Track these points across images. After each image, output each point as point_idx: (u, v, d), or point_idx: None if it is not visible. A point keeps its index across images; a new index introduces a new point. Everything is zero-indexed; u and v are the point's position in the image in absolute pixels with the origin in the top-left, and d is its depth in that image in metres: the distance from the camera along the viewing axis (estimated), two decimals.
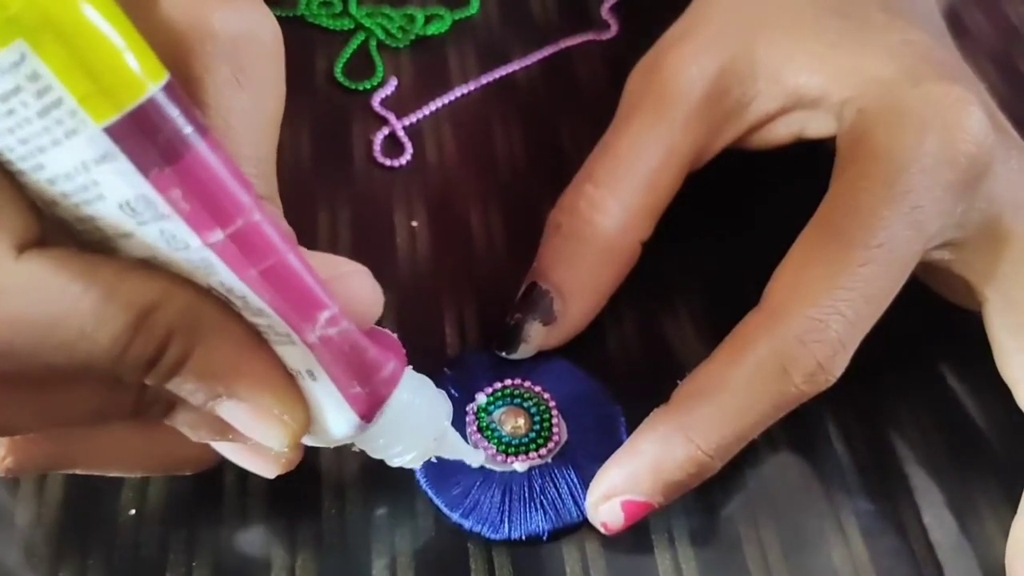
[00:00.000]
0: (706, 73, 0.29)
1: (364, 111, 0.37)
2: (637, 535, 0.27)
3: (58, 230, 0.18)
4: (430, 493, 0.27)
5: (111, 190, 0.16)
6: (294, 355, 0.20)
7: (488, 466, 0.27)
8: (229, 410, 0.20)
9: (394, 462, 0.23)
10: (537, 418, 0.28)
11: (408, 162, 0.35)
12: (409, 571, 0.26)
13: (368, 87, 0.37)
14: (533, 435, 0.28)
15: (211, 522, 0.27)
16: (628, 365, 0.31)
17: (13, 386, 0.18)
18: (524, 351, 0.29)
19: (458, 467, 0.26)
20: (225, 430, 0.21)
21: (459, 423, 0.28)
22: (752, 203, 0.35)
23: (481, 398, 0.28)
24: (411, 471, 0.26)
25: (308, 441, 0.22)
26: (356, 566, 0.26)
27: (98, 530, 0.26)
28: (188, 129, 0.16)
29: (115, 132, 0.15)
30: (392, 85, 0.37)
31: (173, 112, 0.16)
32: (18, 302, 0.17)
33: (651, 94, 0.30)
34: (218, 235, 0.17)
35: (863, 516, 0.28)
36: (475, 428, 0.28)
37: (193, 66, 0.19)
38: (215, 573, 0.26)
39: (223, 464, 0.27)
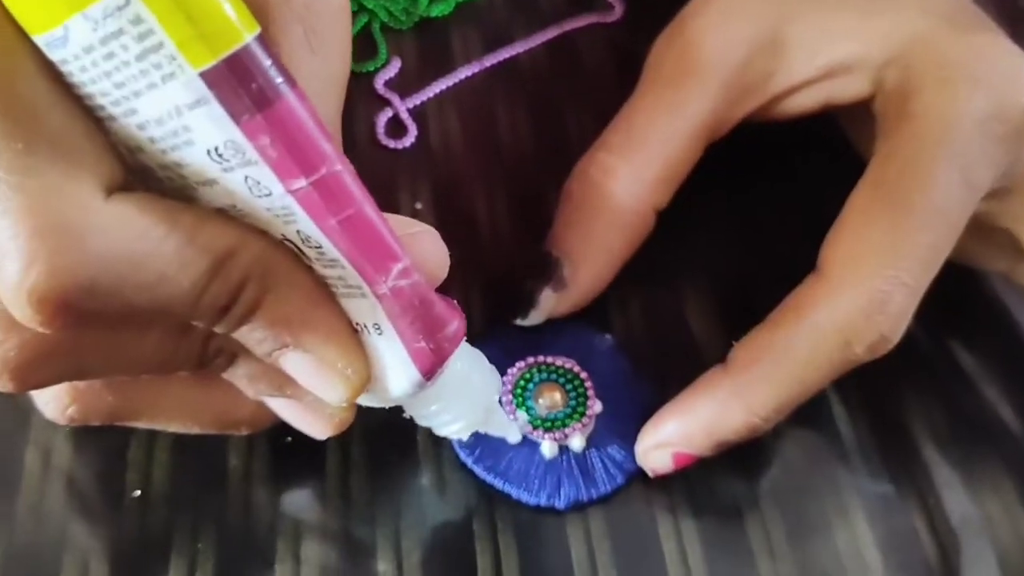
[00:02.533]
0: (730, 44, 0.29)
1: (367, 93, 0.36)
2: (642, 517, 0.27)
3: (136, 179, 0.18)
4: (467, 460, 0.27)
5: (201, 135, 0.17)
6: (362, 308, 0.20)
7: (530, 438, 0.28)
8: (293, 361, 0.20)
9: (441, 431, 0.24)
10: (572, 393, 0.28)
11: (412, 144, 0.35)
12: (414, 553, 0.26)
13: (371, 69, 0.37)
14: (568, 410, 0.28)
15: (216, 505, 0.27)
16: (635, 339, 0.31)
17: (91, 328, 0.19)
18: (534, 317, 0.29)
19: (493, 437, 0.27)
20: (283, 385, 0.21)
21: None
22: (764, 178, 0.34)
23: (516, 372, 0.29)
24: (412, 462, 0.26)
25: (364, 401, 0.22)
26: (359, 548, 0.26)
27: (103, 511, 0.26)
28: (279, 79, 0.16)
29: (210, 78, 0.16)
30: (395, 67, 0.37)
31: (266, 61, 0.16)
32: (105, 241, 0.17)
33: (672, 63, 0.30)
34: (302, 183, 0.17)
35: (868, 497, 0.28)
36: (510, 400, 0.28)
37: (269, 26, 0.19)
38: (220, 555, 0.26)
39: (227, 447, 0.27)
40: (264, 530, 0.26)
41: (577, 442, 0.28)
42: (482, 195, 0.34)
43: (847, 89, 0.29)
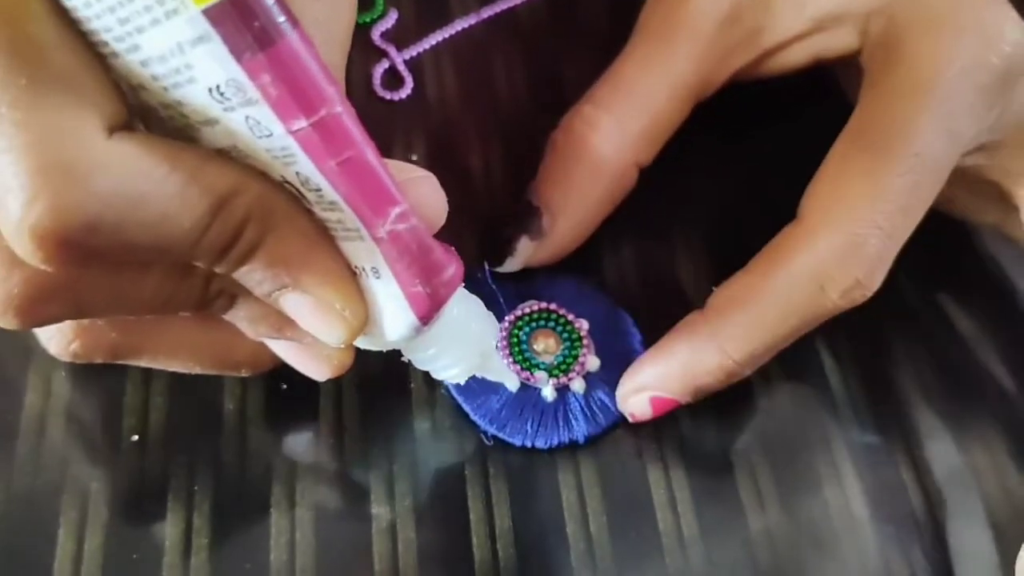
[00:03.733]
0: (717, 1, 0.29)
1: (364, 44, 0.36)
2: (632, 466, 0.28)
3: (139, 119, 0.18)
4: (465, 406, 0.28)
5: (203, 73, 0.17)
6: (360, 251, 0.20)
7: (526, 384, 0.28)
8: (292, 302, 0.20)
9: (439, 375, 0.24)
10: (567, 341, 0.29)
11: (408, 96, 0.35)
12: (407, 498, 0.27)
13: (368, 20, 0.37)
14: (561, 357, 0.28)
15: (211, 448, 0.27)
16: (626, 292, 0.31)
17: (93, 266, 0.19)
18: (510, 265, 0.29)
19: (488, 382, 0.27)
20: (283, 327, 0.22)
21: None
22: (754, 131, 0.34)
23: (512, 319, 0.29)
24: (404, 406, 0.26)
25: (362, 344, 0.22)
26: (354, 492, 0.27)
27: (101, 456, 0.27)
28: (281, 18, 0.16)
29: (213, 15, 0.16)
30: (392, 18, 0.37)
31: (268, 0, 0.16)
32: (108, 179, 0.17)
33: (660, 19, 0.30)
34: (302, 123, 0.17)
35: (856, 449, 0.28)
36: (506, 347, 0.28)
37: None
38: (216, 498, 0.26)
39: (223, 392, 0.28)
40: (260, 473, 0.27)
41: (577, 385, 0.28)
42: (478, 147, 0.34)
43: (836, 42, 0.29)
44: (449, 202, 0.30)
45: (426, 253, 0.20)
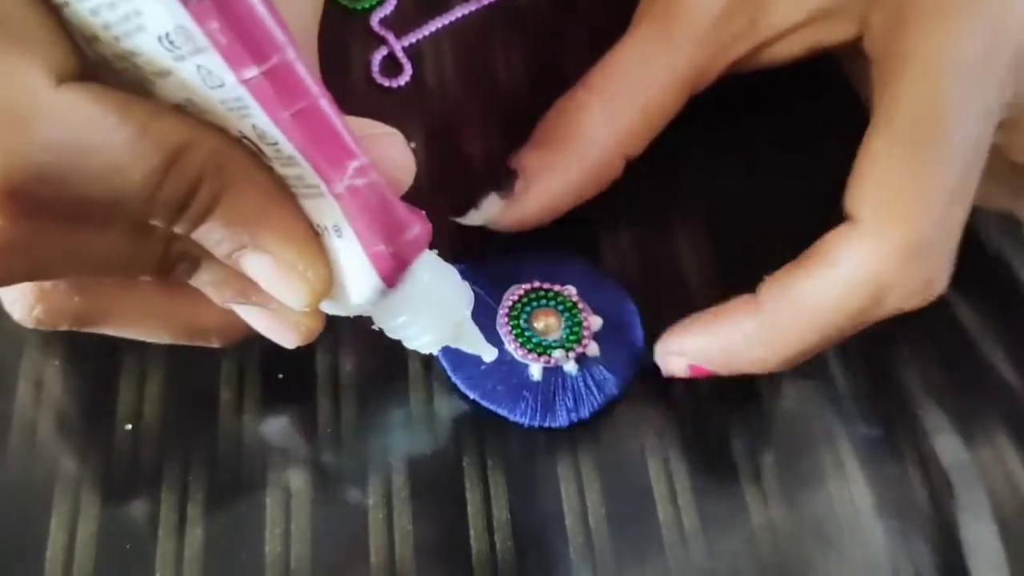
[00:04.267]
0: None
1: (363, 31, 0.36)
2: (632, 457, 0.27)
3: (95, 74, 0.18)
4: (457, 381, 0.28)
5: (152, 20, 0.16)
6: (322, 208, 0.20)
7: (520, 360, 0.28)
8: (253, 263, 0.20)
9: (411, 343, 0.24)
10: (567, 320, 0.28)
11: (407, 83, 0.34)
12: (404, 490, 0.26)
13: (367, 6, 0.36)
14: (562, 337, 0.28)
15: (206, 438, 0.27)
16: (625, 273, 0.31)
17: (47, 220, 0.19)
18: (473, 217, 0.29)
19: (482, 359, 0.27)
20: (247, 291, 0.21)
21: (487, 321, 0.28)
22: (751, 116, 0.34)
23: (515, 296, 0.29)
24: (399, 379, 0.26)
25: (329, 309, 0.22)
26: (350, 484, 0.26)
27: (94, 445, 0.26)
28: None
29: None
30: (391, 4, 0.36)
31: None
32: (54, 127, 0.17)
33: (659, 9, 0.29)
34: (253, 71, 0.17)
35: (861, 443, 0.28)
36: (506, 324, 0.28)
37: None
38: (210, 489, 0.26)
39: (218, 382, 0.27)
40: (255, 464, 0.26)
41: (569, 366, 0.28)
42: (477, 134, 0.33)
43: (834, 32, 0.29)
44: (449, 187, 0.30)
45: (388, 210, 0.20)
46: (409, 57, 0.35)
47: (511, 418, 0.27)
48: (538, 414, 0.27)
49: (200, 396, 0.27)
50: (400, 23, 0.36)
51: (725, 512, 0.27)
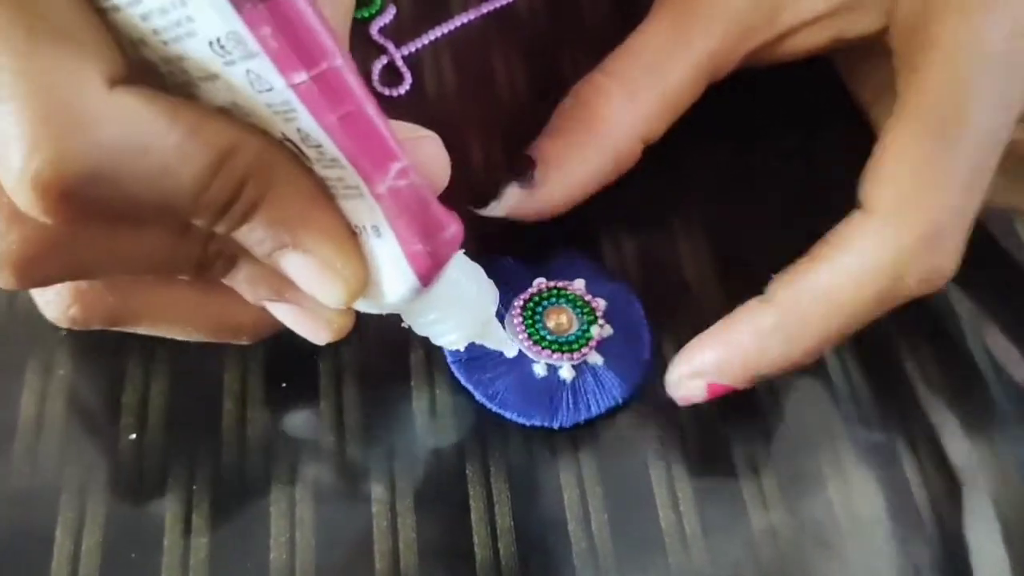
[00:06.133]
0: None
1: (363, 40, 0.36)
2: (634, 463, 0.27)
3: (140, 77, 0.18)
4: (468, 384, 0.28)
5: (203, 26, 0.17)
6: (360, 209, 0.20)
7: (530, 357, 0.28)
8: (291, 263, 0.20)
9: (438, 340, 0.24)
10: (580, 319, 0.28)
11: (407, 92, 0.35)
12: (407, 497, 0.26)
13: (367, 15, 0.37)
14: (574, 335, 0.28)
15: (211, 447, 0.27)
16: (625, 271, 0.31)
17: (94, 221, 0.19)
18: (494, 209, 0.29)
19: (492, 358, 0.27)
20: (282, 289, 0.22)
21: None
22: (759, 119, 0.34)
23: (528, 294, 0.29)
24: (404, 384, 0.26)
25: (362, 307, 0.22)
26: (355, 491, 0.26)
27: (100, 453, 0.27)
28: None
29: None
30: (391, 13, 0.37)
31: None
32: (109, 130, 0.17)
33: None
34: (302, 76, 0.17)
35: (861, 446, 0.28)
36: (520, 322, 0.28)
37: None
38: (215, 497, 0.26)
39: (222, 391, 0.27)
40: (259, 472, 0.26)
41: (568, 370, 0.28)
42: (478, 143, 0.34)
43: (858, 24, 0.29)
44: (450, 196, 0.30)
45: (426, 211, 0.20)
46: (409, 66, 0.35)
47: (529, 423, 0.27)
48: (568, 414, 0.27)
49: (204, 405, 0.27)
50: (400, 32, 0.36)
51: (727, 517, 0.27)
